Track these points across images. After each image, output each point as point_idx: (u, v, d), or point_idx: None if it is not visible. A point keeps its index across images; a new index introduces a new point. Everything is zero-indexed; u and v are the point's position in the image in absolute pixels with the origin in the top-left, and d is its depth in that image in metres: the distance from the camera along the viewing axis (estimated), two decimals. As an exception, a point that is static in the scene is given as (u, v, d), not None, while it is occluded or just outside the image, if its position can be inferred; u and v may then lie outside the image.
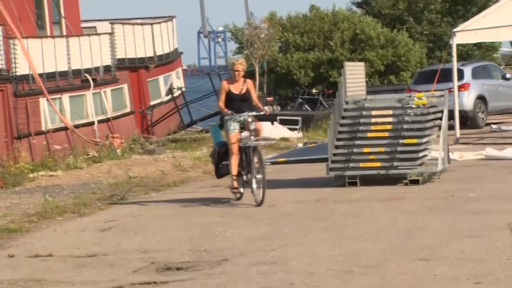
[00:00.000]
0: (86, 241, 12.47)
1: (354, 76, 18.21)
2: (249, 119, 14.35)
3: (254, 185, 14.44)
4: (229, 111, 14.13)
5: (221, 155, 14.76)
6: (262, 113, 14.48)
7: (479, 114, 28.76)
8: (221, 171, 14.97)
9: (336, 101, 17.50)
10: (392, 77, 36.08)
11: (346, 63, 18.89)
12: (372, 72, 35.47)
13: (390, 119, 16.86)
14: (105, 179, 19.38)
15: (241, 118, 14.32)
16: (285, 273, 9.80)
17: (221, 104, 14.39)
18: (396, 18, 39.99)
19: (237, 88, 14.29)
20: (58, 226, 13.95)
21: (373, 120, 16.83)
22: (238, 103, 14.25)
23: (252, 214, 14.07)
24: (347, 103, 17.11)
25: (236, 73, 14.28)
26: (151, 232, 12.86)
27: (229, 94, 14.25)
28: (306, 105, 34.56)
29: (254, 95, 14.65)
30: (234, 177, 14.63)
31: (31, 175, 20.27)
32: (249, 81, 14.63)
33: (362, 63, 21.63)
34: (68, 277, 10.17)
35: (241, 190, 14.87)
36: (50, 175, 20.36)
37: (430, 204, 14.27)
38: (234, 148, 14.29)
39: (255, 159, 14.40)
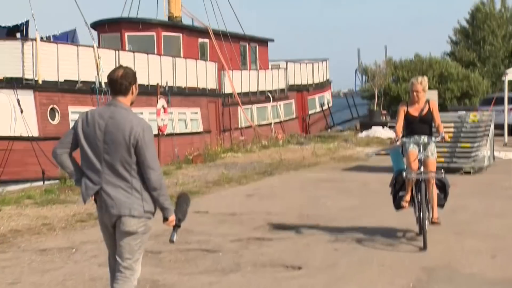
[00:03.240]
0: (234, 203, 11.23)
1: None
2: (427, 145, 8.12)
3: (427, 228, 7.69)
4: (396, 137, 8.06)
5: (399, 183, 8.38)
6: (438, 139, 8.11)
7: (524, 127, 25.89)
8: (398, 202, 8.35)
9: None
10: (466, 100, 33.29)
11: (423, 91, 16.88)
12: (453, 97, 33.01)
13: (452, 129, 14.87)
14: (266, 160, 18.15)
15: (421, 141, 8.03)
16: (352, 240, 8.21)
17: (397, 127, 8.17)
18: (471, 62, 37.16)
19: (416, 110, 8.08)
20: (222, 192, 12.75)
21: (440, 129, 14.91)
22: (417, 125, 8.09)
23: (352, 190, 12.46)
24: (422, 117, 15.29)
25: (415, 93, 8.06)
26: (278, 199, 11.50)
27: (407, 116, 8.11)
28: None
29: (437, 117, 8.17)
30: (408, 195, 8.20)
31: (222, 155, 19.31)
32: (432, 102, 8.26)
33: (436, 91, 19.35)
34: (210, 229, 8.99)
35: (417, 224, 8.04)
36: (234, 156, 19.31)
37: (475, 189, 12.24)
38: (414, 165, 7.98)
39: (430, 194, 8.04)
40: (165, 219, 4.58)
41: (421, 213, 7.71)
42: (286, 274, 6.63)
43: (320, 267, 6.85)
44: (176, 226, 4.66)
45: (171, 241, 4.71)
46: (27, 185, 14.82)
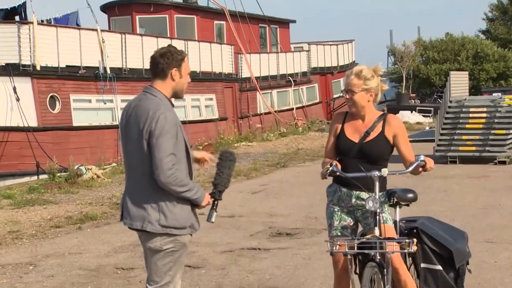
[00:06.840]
0: (236, 202, 10.00)
1: (458, 82, 14.73)
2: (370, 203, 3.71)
3: None
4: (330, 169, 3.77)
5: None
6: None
7: None
8: None
9: (442, 101, 14.19)
10: (502, 81, 31.43)
11: (452, 72, 15.33)
12: (488, 78, 31.22)
13: (484, 115, 13.45)
14: (281, 149, 16.86)
15: (354, 201, 3.89)
16: (364, 248, 6.93)
17: (324, 159, 4.06)
18: (509, 41, 35.18)
19: (356, 131, 3.87)
20: (226, 187, 11.54)
21: (470, 115, 13.49)
22: (353, 162, 3.83)
23: (368, 185, 11.11)
24: (451, 101, 13.85)
25: (348, 96, 3.81)
26: (285, 197, 10.25)
27: (338, 140, 3.93)
28: (439, 100, 31.02)
29: (407, 148, 3.95)
30: None
31: (235, 144, 18.08)
32: (392, 118, 3.92)
33: (466, 72, 17.76)
34: (200, 237, 7.68)
35: None
36: (248, 145, 18.05)
37: (510, 183, 10.81)
38: (339, 271, 3.96)
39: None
40: (195, 206, 3.75)
41: None
42: (275, 301, 5.41)
43: (319, 290, 5.61)
44: (216, 201, 3.77)
45: (209, 221, 3.80)
46: (26, 179, 13.92)
